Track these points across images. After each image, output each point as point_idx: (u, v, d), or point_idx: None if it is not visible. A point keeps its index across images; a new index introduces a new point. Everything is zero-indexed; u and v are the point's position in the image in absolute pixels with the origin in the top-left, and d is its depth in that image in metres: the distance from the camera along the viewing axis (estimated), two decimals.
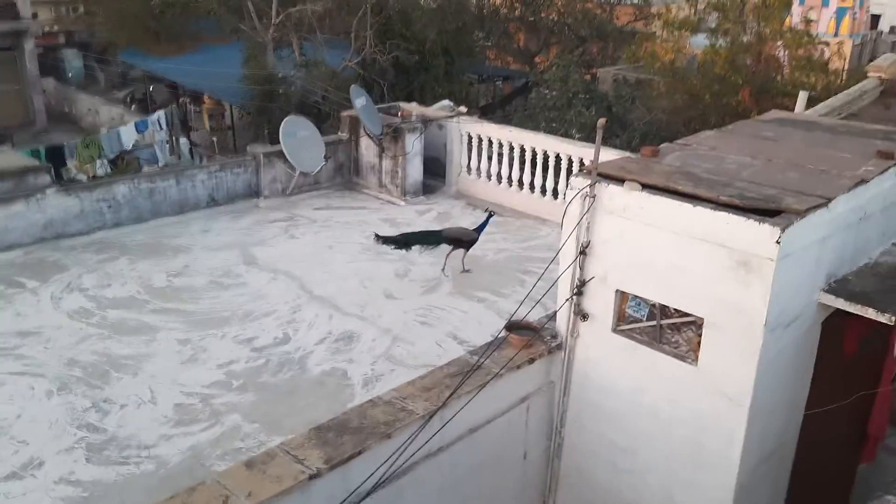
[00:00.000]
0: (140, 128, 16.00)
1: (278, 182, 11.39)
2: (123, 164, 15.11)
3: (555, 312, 5.97)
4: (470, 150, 11.56)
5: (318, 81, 18.84)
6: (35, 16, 28.19)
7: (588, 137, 13.89)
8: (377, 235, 9.03)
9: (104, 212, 9.95)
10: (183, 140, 17.26)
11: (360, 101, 11.19)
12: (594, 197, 5.39)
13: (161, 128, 16.20)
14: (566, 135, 15.29)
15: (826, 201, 5.01)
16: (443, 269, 8.95)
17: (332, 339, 7.44)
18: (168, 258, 9.26)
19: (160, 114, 16.66)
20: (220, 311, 7.97)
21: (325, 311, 8.00)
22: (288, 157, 11.12)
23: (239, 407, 6.35)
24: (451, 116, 11.62)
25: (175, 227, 10.24)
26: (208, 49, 23.83)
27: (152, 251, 9.44)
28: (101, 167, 14.60)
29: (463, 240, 9.03)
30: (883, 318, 5.05)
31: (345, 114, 12.13)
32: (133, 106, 24.90)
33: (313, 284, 8.59)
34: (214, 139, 21.92)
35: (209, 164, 11.55)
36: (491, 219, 9.18)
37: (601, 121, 5.38)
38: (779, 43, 20.37)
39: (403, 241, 9.02)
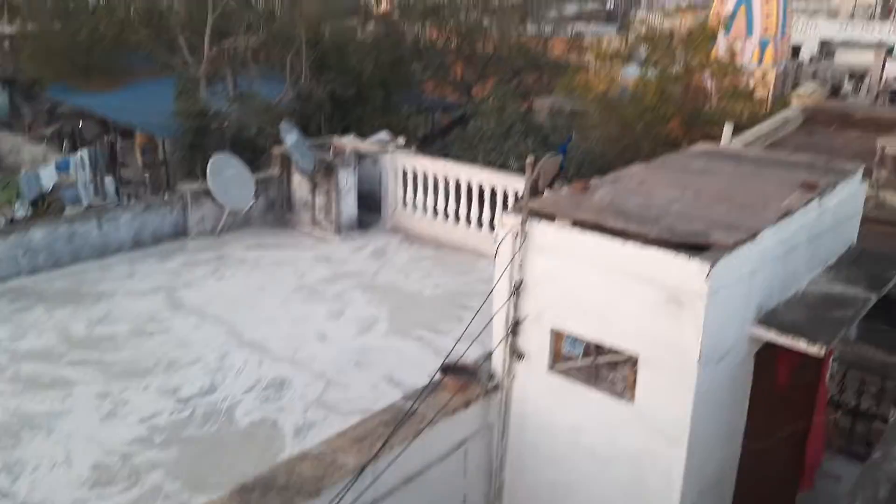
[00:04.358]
0: (61, 167, 15.38)
1: (207, 221, 11.02)
2: (45, 206, 14.46)
3: (490, 353, 5.82)
4: (405, 184, 11.40)
5: (253, 115, 18.54)
6: None
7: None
8: None
9: (19, 258, 9.42)
10: (108, 179, 16.64)
11: (290, 136, 10.95)
12: (525, 235, 5.30)
13: (84, 167, 15.58)
14: (504, 165, 15.31)
15: (753, 234, 5.02)
16: None
17: (262, 387, 7.13)
18: (88, 305, 8.81)
19: (83, 152, 16.04)
20: (144, 360, 7.59)
21: (255, 356, 7.69)
22: (215, 195, 10.79)
23: (161, 464, 6.02)
24: (386, 150, 11.47)
25: (97, 272, 9.76)
26: (140, 84, 23.30)
27: (71, 298, 8.97)
28: (21, 209, 13.95)
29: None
30: (813, 350, 5.05)
31: (275, 151, 11.86)
32: (64, 142, 24.00)
33: (243, 328, 8.26)
34: (147, 175, 21.31)
35: (133, 204, 11.11)
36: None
37: (530, 158, 5.30)
38: (706, 73, 21.09)
39: None
